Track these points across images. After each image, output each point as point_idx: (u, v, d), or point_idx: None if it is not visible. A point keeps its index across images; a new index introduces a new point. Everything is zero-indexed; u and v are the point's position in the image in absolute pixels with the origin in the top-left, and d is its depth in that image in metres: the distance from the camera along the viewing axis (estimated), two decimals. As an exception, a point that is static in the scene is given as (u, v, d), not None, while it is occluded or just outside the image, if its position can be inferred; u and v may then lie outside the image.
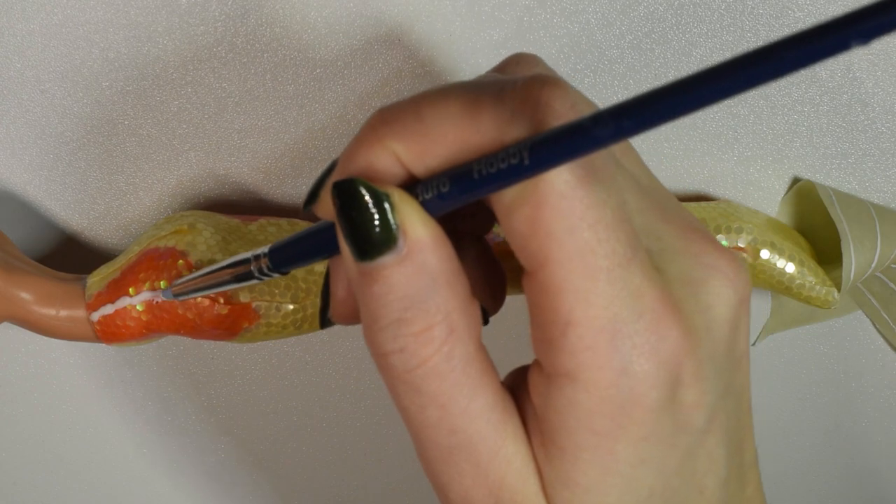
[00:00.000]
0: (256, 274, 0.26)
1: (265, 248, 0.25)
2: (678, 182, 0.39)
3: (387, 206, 0.20)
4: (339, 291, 0.24)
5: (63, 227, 0.36)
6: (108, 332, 0.33)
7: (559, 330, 0.20)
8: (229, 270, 0.27)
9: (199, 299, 0.32)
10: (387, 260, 0.20)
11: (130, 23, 0.33)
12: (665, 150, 0.38)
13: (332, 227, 0.22)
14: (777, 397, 0.43)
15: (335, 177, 0.22)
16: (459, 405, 0.21)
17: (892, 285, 0.40)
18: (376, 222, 0.20)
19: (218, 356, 0.39)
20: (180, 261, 0.32)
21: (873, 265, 0.37)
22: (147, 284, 0.32)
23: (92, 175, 0.36)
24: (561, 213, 0.19)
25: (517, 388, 0.22)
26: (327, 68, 0.35)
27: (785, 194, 0.39)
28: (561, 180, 0.19)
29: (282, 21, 0.34)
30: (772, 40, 0.15)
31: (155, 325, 0.32)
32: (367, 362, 0.40)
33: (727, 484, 0.22)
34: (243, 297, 0.32)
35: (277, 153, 0.36)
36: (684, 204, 0.37)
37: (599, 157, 0.19)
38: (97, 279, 0.33)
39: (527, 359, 0.22)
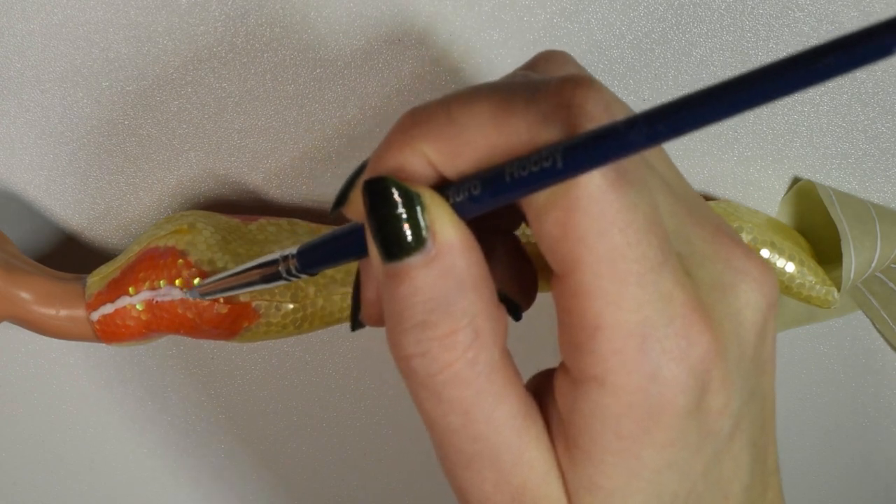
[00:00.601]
0: (284, 275, 0.26)
1: (293, 249, 0.25)
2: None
3: (417, 206, 0.20)
4: (369, 293, 0.24)
5: (63, 227, 0.36)
6: (108, 332, 0.33)
7: (588, 334, 0.20)
8: (257, 271, 0.27)
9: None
10: (414, 261, 0.20)
11: (130, 23, 0.33)
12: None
13: (362, 228, 0.22)
14: (777, 397, 0.43)
15: (365, 177, 0.21)
16: (483, 412, 0.21)
17: (891, 285, 0.40)
18: (406, 222, 0.20)
19: (218, 356, 0.39)
20: (180, 260, 0.32)
21: (873, 265, 0.37)
22: (147, 284, 0.32)
23: (92, 175, 0.36)
24: (592, 217, 0.19)
25: (541, 391, 0.22)
26: (327, 68, 0.35)
27: (785, 194, 0.39)
28: (592, 184, 0.19)
29: (282, 21, 0.34)
30: (811, 45, 0.14)
31: (155, 325, 0.32)
32: (367, 362, 0.40)
33: (750, 489, 0.22)
34: (243, 297, 0.32)
35: (277, 153, 0.36)
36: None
37: (631, 160, 0.19)
38: (97, 279, 0.33)
39: (546, 357, 0.22)
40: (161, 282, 0.32)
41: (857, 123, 0.38)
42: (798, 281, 0.36)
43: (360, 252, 0.23)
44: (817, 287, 0.37)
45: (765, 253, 0.36)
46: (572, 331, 0.20)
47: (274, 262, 0.26)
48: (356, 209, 0.22)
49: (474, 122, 0.20)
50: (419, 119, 0.21)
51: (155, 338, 0.34)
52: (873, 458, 0.45)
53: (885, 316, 0.40)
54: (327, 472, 0.42)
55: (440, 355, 0.20)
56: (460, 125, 0.20)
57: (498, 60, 0.36)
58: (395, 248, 0.20)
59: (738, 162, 0.38)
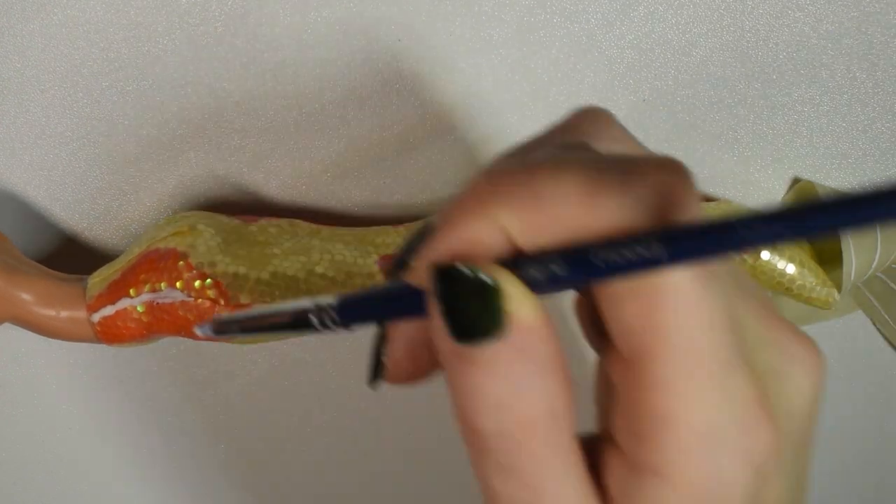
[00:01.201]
0: (317, 325, 0.23)
1: (331, 299, 0.23)
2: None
3: (494, 292, 0.19)
4: (397, 354, 0.23)
5: (63, 228, 0.36)
6: (109, 333, 0.33)
7: (654, 426, 0.19)
8: (283, 316, 0.25)
9: (200, 301, 0.32)
10: (490, 346, 0.19)
11: (130, 23, 0.33)
12: (665, 151, 0.38)
13: (421, 293, 0.20)
14: (777, 397, 0.43)
15: (434, 249, 0.20)
16: (550, 490, 0.20)
17: (892, 285, 0.40)
18: (481, 309, 0.19)
19: (218, 356, 0.39)
20: (181, 262, 0.32)
21: (874, 265, 0.37)
22: (148, 286, 0.32)
23: (92, 175, 0.36)
24: (676, 314, 0.18)
25: (586, 461, 0.21)
26: (327, 68, 0.35)
27: (785, 194, 0.39)
28: (680, 278, 0.18)
29: (282, 21, 0.34)
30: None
31: (155, 327, 0.32)
32: (367, 363, 0.40)
33: None
34: (243, 299, 0.32)
35: (277, 153, 0.36)
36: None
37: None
38: (98, 280, 0.33)
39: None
40: (162, 284, 0.32)
41: (857, 123, 0.38)
42: (799, 282, 0.36)
43: (417, 315, 0.21)
44: (818, 288, 0.37)
45: (765, 254, 0.36)
46: (635, 419, 0.19)
47: (305, 310, 0.24)
48: (420, 278, 0.21)
49: (562, 196, 0.19)
50: (498, 186, 0.19)
51: (155, 339, 0.34)
52: (873, 457, 0.45)
53: (885, 316, 0.40)
54: (327, 472, 0.42)
55: (517, 435, 0.19)
56: (546, 198, 0.19)
57: (498, 60, 0.36)
58: (469, 333, 0.19)
59: (738, 162, 0.38)
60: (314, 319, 0.23)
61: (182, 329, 0.32)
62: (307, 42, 0.35)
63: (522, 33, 0.36)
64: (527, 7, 0.35)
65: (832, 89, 0.38)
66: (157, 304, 0.32)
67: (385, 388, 0.26)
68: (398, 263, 0.22)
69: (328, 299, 0.23)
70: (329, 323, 0.23)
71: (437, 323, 0.20)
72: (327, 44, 0.35)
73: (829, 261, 0.38)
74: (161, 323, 0.32)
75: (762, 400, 0.20)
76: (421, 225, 0.22)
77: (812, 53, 0.37)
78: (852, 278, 0.36)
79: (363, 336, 0.40)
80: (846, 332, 0.42)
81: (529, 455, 0.20)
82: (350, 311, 0.23)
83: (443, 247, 0.20)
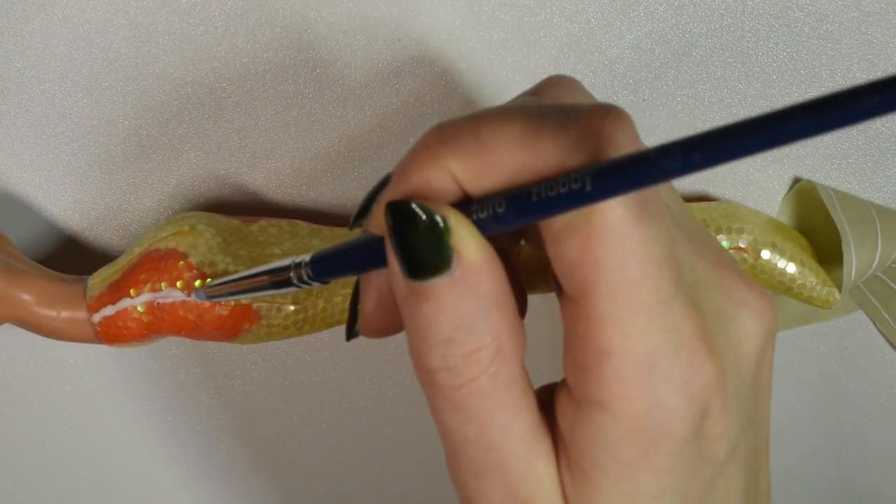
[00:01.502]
0: (295, 281, 0.26)
1: (306, 257, 0.25)
2: (678, 182, 0.39)
3: (442, 228, 0.20)
4: (368, 305, 0.24)
5: (63, 228, 0.36)
6: (110, 334, 0.33)
7: (595, 359, 0.20)
8: (266, 276, 0.27)
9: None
10: (440, 281, 0.20)
11: (130, 23, 0.33)
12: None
13: (381, 242, 0.22)
14: (777, 397, 0.43)
15: (389, 193, 0.22)
16: (500, 424, 0.21)
17: (892, 285, 0.40)
18: (431, 245, 0.20)
19: (218, 356, 0.39)
20: (181, 262, 0.32)
21: (874, 265, 0.37)
22: (148, 286, 0.32)
23: (92, 175, 0.36)
24: (612, 247, 0.19)
25: (543, 405, 0.22)
26: (327, 68, 0.35)
27: (785, 194, 0.39)
28: (615, 213, 0.19)
29: (282, 21, 0.34)
30: (853, 85, 0.14)
31: (156, 327, 0.32)
32: (367, 362, 0.40)
33: None
34: (245, 299, 0.32)
35: (277, 153, 0.36)
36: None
37: (651, 192, 0.20)
38: (98, 280, 0.33)
39: (540, 363, 0.22)
40: (162, 283, 0.32)
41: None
42: (799, 282, 0.36)
43: (378, 264, 0.23)
44: (818, 288, 0.37)
45: (766, 254, 0.36)
46: (579, 354, 0.20)
47: (285, 269, 0.26)
48: (378, 224, 0.22)
49: (503, 142, 0.20)
50: (446, 136, 0.21)
51: (156, 339, 0.34)
52: (873, 457, 0.45)
53: (885, 315, 0.40)
54: (327, 472, 0.42)
55: (464, 370, 0.21)
56: (489, 144, 0.20)
57: (498, 60, 0.36)
58: (420, 269, 0.20)
59: (738, 162, 0.38)
60: (292, 276, 0.25)
61: (182, 329, 0.32)
62: (307, 42, 0.35)
63: (522, 33, 0.36)
64: (527, 7, 0.35)
65: (832, 89, 0.38)
66: (158, 303, 0.32)
67: (364, 344, 0.27)
68: (361, 211, 0.24)
69: (304, 257, 0.25)
70: (305, 278, 0.25)
71: (392, 264, 0.21)
72: (327, 44, 0.35)
73: (829, 261, 0.38)
74: (161, 323, 0.32)
75: (703, 335, 0.20)
76: (381, 177, 0.24)
77: (812, 53, 0.37)
78: (852, 278, 0.36)
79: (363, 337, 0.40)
80: (846, 332, 0.42)
81: (476, 390, 0.21)
82: (322, 266, 0.25)
83: (397, 192, 0.21)
